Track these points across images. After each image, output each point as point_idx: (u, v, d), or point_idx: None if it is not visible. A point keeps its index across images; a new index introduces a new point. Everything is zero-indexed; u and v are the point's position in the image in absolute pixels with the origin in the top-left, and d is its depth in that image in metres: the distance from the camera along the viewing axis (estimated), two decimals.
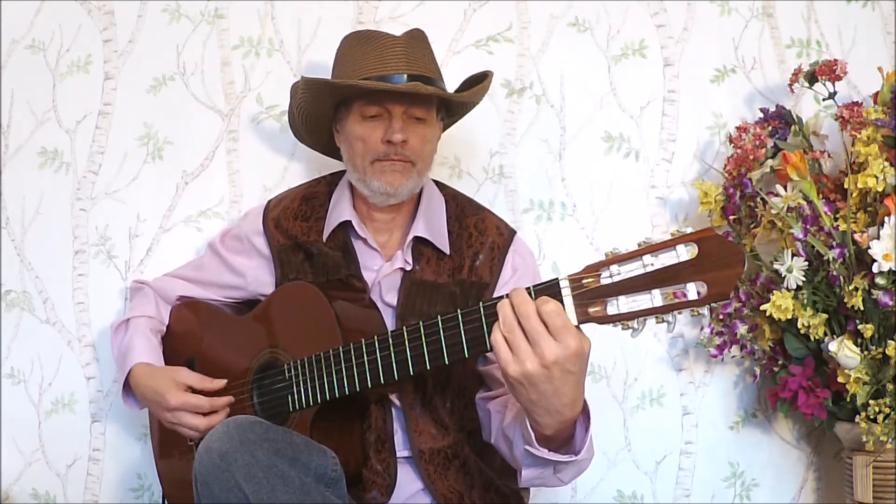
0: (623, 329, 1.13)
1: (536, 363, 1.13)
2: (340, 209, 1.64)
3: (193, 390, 1.58)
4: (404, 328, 1.32)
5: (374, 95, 1.54)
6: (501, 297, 1.19)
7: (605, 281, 1.13)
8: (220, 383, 1.58)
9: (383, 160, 1.56)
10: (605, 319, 1.13)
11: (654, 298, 1.11)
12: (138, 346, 1.67)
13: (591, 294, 1.13)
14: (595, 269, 1.14)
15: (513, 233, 1.66)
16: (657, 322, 1.11)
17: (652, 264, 1.10)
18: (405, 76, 1.54)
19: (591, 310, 1.14)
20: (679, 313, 1.10)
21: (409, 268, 1.59)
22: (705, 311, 1.10)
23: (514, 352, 1.14)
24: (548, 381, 1.14)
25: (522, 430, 1.27)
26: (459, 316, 1.25)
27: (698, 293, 1.08)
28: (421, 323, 1.30)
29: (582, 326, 1.15)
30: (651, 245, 1.11)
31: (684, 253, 1.09)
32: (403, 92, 1.52)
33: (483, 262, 1.60)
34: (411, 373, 1.33)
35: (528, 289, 1.17)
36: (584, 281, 1.14)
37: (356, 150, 1.58)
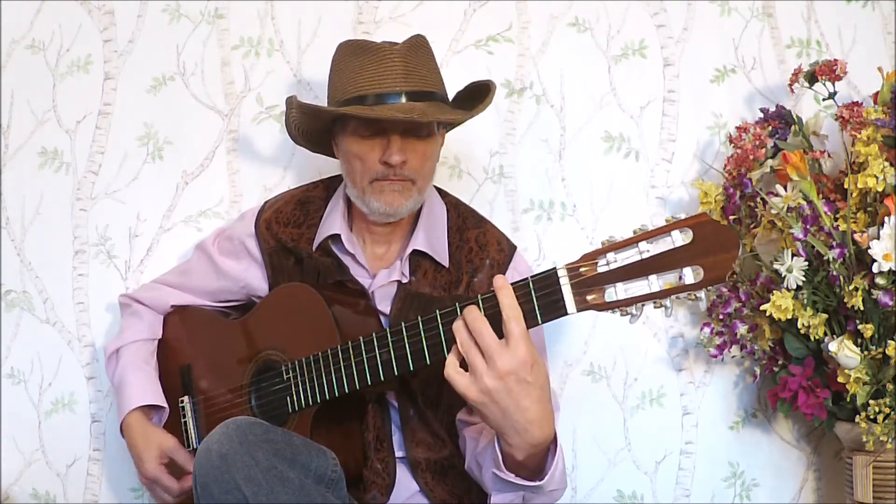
0: (622, 315, 1.16)
1: (492, 376, 1.16)
2: (331, 221, 1.62)
3: (175, 461, 1.60)
4: (402, 324, 1.32)
5: (370, 119, 1.49)
6: (491, 292, 1.20)
7: (601, 269, 1.15)
8: None
9: (382, 180, 1.52)
10: (603, 306, 1.15)
11: (651, 284, 1.13)
12: (131, 383, 1.67)
13: (588, 282, 1.16)
14: (592, 257, 1.16)
15: (513, 249, 1.64)
16: (655, 307, 1.14)
17: (648, 251, 1.13)
18: (403, 96, 1.49)
19: (589, 297, 1.16)
20: (677, 298, 1.11)
21: (405, 280, 1.57)
22: (702, 294, 1.11)
23: (470, 370, 1.18)
24: (507, 394, 1.17)
25: (492, 454, 1.28)
26: (459, 311, 1.25)
27: (695, 277, 1.10)
28: (419, 318, 1.30)
29: (582, 313, 1.17)
30: (646, 232, 1.13)
31: (679, 238, 1.11)
32: (401, 120, 1.48)
33: (481, 280, 1.58)
34: (411, 369, 1.33)
35: (478, 301, 1.21)
36: (582, 269, 1.16)
37: (354, 169, 1.55)
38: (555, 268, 1.18)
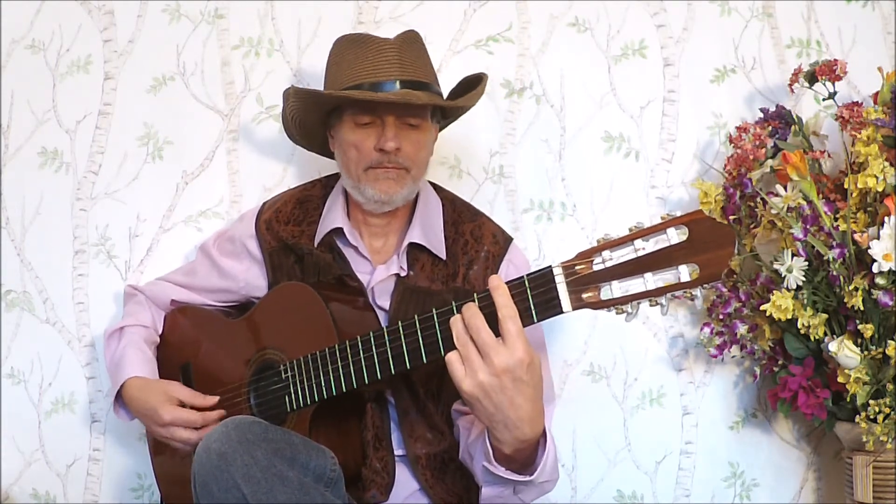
0: (617, 313, 1.16)
1: (487, 372, 1.16)
2: (333, 215, 1.63)
3: (185, 405, 1.58)
4: (399, 323, 1.33)
5: (366, 104, 1.53)
6: (487, 290, 1.20)
7: (597, 267, 1.15)
8: (213, 400, 1.58)
9: (377, 168, 1.55)
10: (598, 304, 1.15)
11: (647, 282, 1.12)
12: (132, 358, 1.66)
13: (584, 280, 1.15)
14: (587, 255, 1.16)
15: (508, 241, 1.65)
16: (651, 305, 1.13)
17: (644, 248, 1.12)
18: (397, 83, 1.52)
19: (584, 295, 1.16)
20: (673, 296, 1.11)
21: (403, 273, 1.58)
22: (698, 292, 1.11)
23: (466, 365, 1.17)
24: (501, 391, 1.17)
25: (483, 447, 1.29)
26: (455, 310, 1.25)
27: (690, 275, 1.10)
28: (416, 317, 1.30)
29: (577, 312, 1.17)
30: (642, 229, 1.13)
31: (675, 236, 1.11)
32: (395, 101, 1.51)
33: (477, 272, 1.59)
34: (408, 367, 1.33)
35: (474, 299, 1.21)
36: (577, 267, 1.16)
37: (350, 158, 1.57)
38: (550, 266, 1.17)
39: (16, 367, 1.99)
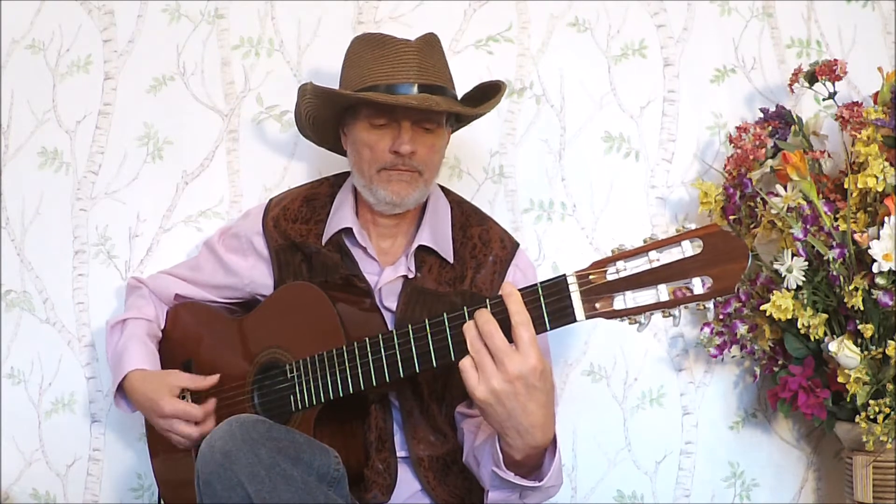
0: (630, 324, 1.16)
1: (501, 379, 1.16)
2: (342, 215, 1.63)
3: (188, 390, 1.59)
4: (409, 326, 1.33)
5: (384, 105, 1.52)
6: (499, 297, 1.20)
7: (611, 277, 1.15)
8: (213, 379, 1.59)
9: (390, 169, 1.55)
10: (611, 314, 1.16)
11: (660, 293, 1.13)
12: (134, 350, 1.66)
13: (597, 290, 1.16)
14: (601, 265, 1.16)
15: (516, 246, 1.66)
16: (664, 316, 1.14)
17: (658, 260, 1.13)
18: (415, 86, 1.52)
19: (598, 305, 1.16)
20: (685, 307, 1.11)
21: (411, 275, 1.58)
22: (710, 304, 1.12)
23: (479, 371, 1.18)
24: (514, 397, 1.17)
25: (492, 452, 1.29)
26: (466, 314, 1.25)
27: (704, 287, 1.10)
28: (427, 321, 1.30)
29: (589, 321, 1.17)
30: (656, 241, 1.14)
31: (689, 248, 1.11)
32: (416, 106, 1.50)
33: (484, 276, 1.59)
34: (417, 370, 1.33)
35: (486, 304, 1.21)
36: (591, 277, 1.16)
37: (363, 157, 1.57)
38: (564, 275, 1.18)
39: (16, 367, 1.99)
